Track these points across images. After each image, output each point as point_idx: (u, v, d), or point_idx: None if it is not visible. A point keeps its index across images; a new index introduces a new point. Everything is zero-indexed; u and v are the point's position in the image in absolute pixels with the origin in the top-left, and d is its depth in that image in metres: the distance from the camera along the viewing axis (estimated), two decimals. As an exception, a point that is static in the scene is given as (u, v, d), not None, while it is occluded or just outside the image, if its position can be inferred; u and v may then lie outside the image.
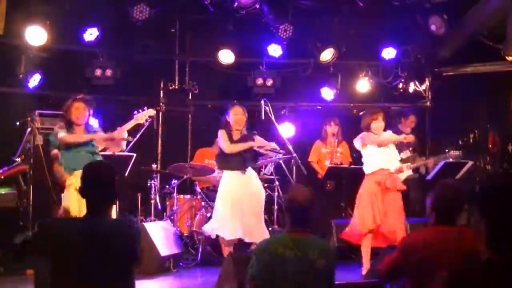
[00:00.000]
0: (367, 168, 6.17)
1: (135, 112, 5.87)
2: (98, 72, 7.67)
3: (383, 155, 6.15)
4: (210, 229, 6.16)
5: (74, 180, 5.45)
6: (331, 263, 3.25)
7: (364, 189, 6.10)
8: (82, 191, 2.97)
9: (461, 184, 4.50)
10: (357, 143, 6.25)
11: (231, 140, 6.12)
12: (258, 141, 6.19)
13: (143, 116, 5.86)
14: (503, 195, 2.11)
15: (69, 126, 5.58)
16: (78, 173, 5.48)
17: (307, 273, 3.17)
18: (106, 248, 2.81)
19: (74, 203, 5.39)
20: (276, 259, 3.18)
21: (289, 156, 6.91)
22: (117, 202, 6.80)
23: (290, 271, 3.14)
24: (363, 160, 6.25)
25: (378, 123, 6.13)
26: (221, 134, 6.13)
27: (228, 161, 6.15)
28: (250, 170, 6.18)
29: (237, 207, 6.01)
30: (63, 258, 2.78)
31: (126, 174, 6.68)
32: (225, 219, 6.01)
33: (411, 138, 6.38)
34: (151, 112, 5.93)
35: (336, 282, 3.28)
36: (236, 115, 6.15)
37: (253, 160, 6.29)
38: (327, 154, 7.94)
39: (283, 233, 3.40)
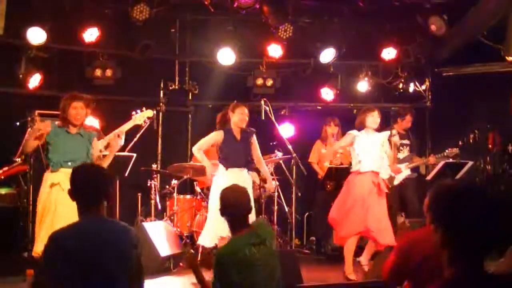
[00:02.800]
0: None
1: (133, 112, 5.76)
2: (98, 72, 7.67)
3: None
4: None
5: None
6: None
7: None
8: (72, 193, 2.94)
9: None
10: None
11: (235, 138, 6.04)
12: None
13: (141, 117, 5.72)
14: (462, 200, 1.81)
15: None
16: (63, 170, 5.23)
17: (272, 259, 3.45)
18: (111, 247, 2.80)
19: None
20: (246, 261, 3.35)
21: (289, 156, 6.92)
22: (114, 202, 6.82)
23: (260, 266, 3.37)
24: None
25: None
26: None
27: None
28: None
29: None
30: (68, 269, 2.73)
31: (126, 174, 6.69)
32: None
33: None
34: (150, 113, 5.78)
35: (336, 282, 3.32)
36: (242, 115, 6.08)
37: None
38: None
39: (241, 235, 3.48)
